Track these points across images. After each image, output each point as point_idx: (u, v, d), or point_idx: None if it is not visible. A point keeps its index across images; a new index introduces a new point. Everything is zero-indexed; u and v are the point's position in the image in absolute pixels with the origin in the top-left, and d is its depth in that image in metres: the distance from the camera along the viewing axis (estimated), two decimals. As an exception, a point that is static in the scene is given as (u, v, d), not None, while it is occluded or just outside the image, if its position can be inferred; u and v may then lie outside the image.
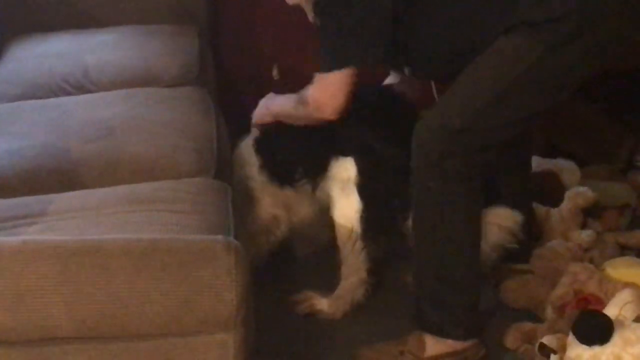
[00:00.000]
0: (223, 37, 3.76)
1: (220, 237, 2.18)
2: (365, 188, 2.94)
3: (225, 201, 2.63)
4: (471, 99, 2.64)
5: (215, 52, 3.58)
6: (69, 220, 2.47)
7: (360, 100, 2.84)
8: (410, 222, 2.83)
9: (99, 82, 3.19)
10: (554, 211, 3.31)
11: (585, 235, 3.21)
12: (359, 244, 2.99)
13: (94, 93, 3.15)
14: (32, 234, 2.39)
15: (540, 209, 3.29)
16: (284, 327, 2.97)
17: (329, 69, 2.70)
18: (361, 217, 2.96)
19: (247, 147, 3.15)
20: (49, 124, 2.93)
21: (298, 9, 2.89)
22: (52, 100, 3.12)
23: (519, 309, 3.03)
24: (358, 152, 2.94)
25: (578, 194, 3.33)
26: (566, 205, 3.31)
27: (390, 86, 3.17)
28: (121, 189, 2.64)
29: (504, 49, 2.61)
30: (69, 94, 3.16)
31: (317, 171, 3.01)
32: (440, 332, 2.78)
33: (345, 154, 2.94)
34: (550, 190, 3.35)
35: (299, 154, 3.05)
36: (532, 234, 3.18)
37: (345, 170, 2.94)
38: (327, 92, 2.75)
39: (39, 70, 3.25)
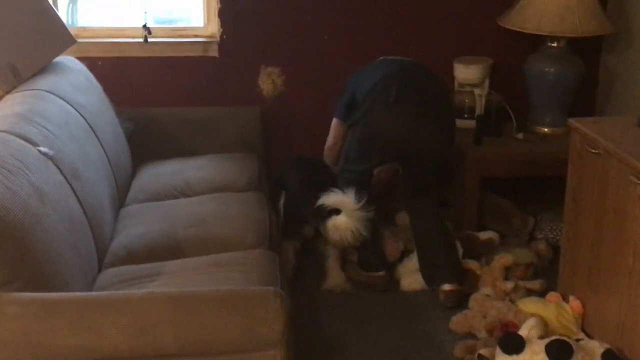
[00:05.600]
0: (272, 158, 3.77)
1: (271, 288, 2.15)
2: (288, 206, 3.34)
3: (274, 264, 2.60)
4: None
5: (267, 168, 3.59)
6: (176, 279, 2.47)
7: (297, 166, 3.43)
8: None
9: (195, 190, 3.18)
10: (486, 267, 3.26)
11: (508, 284, 3.16)
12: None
13: (192, 197, 3.14)
14: (152, 288, 2.39)
15: (475, 264, 3.26)
16: (313, 344, 2.90)
17: (334, 116, 3.30)
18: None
19: None
20: (163, 216, 2.92)
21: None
22: (166, 202, 3.11)
23: (463, 333, 2.98)
24: (285, 189, 3.39)
25: (502, 257, 3.27)
26: (494, 264, 3.25)
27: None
28: (209, 258, 2.63)
29: None
30: (176, 197, 3.16)
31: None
32: None
33: (283, 189, 3.41)
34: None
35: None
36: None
37: (282, 197, 3.38)
38: (330, 132, 3.33)
39: (157, 183, 3.25)
